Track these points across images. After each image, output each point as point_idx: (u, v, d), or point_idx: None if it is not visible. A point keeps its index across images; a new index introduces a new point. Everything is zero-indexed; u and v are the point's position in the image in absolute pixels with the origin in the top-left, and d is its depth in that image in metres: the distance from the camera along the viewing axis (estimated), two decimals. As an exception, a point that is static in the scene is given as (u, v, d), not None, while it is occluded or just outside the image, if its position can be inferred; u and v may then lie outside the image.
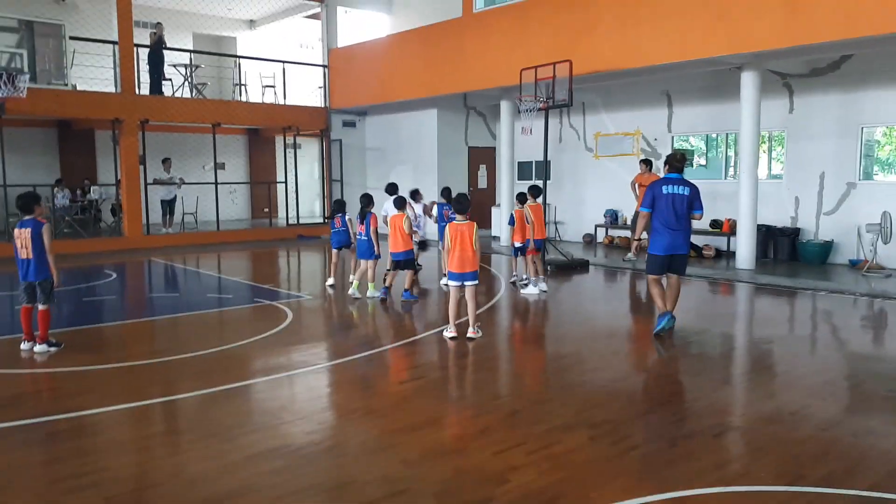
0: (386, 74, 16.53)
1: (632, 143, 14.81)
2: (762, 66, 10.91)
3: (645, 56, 11.30)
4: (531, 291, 9.40)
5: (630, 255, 12.65)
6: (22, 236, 6.27)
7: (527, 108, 11.85)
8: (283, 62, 17.81)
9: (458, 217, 6.78)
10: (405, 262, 8.74)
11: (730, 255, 12.49)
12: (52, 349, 6.42)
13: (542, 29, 12.87)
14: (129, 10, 14.72)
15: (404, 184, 17.54)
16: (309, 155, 19.99)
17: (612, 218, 14.81)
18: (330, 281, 10.09)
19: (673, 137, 14.15)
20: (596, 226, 15.26)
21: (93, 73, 15.25)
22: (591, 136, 15.59)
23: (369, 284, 9.06)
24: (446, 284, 8.75)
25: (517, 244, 9.56)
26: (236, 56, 19.29)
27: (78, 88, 15.72)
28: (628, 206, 13.94)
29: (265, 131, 19.72)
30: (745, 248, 11.23)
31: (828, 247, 11.60)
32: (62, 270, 6.85)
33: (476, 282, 6.85)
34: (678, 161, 7.10)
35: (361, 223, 8.91)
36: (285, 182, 17.95)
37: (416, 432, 4.45)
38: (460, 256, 6.72)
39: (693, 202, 6.93)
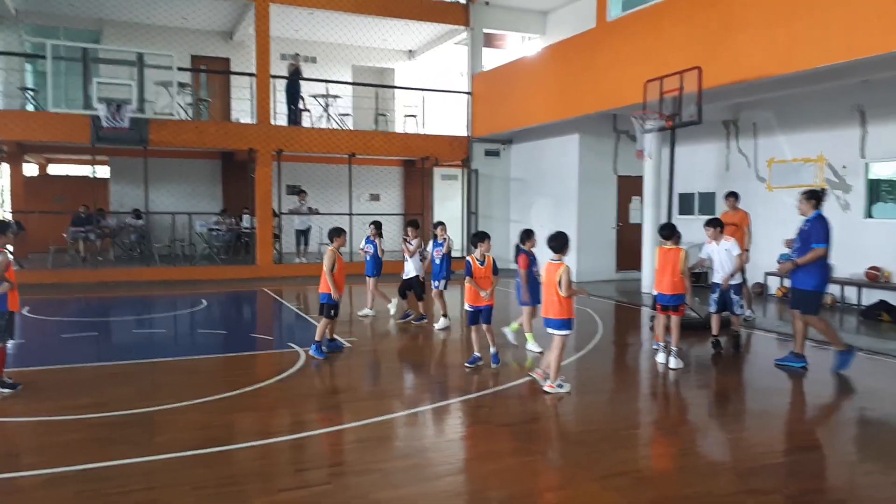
0: (524, 97, 15.04)
1: (813, 171, 11.74)
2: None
3: (801, 58, 8.61)
4: (660, 360, 7.29)
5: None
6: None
7: (649, 128, 9.71)
8: (423, 90, 17.09)
9: (553, 256, 6.17)
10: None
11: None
12: (5, 391, 5.93)
13: (676, 34, 10.58)
14: (268, 44, 14.93)
15: (540, 218, 16.09)
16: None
17: (785, 265, 11.76)
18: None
19: (867, 164, 10.91)
20: (766, 273, 12.29)
21: (244, 105, 15.84)
22: (763, 163, 12.72)
23: (527, 335, 7.85)
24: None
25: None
26: (371, 85, 19.17)
27: (241, 122, 16.44)
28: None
29: (420, 162, 19.20)
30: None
31: None
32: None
33: (563, 332, 6.09)
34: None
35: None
36: (421, 214, 17.14)
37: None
38: (546, 300, 6.18)
39: None
